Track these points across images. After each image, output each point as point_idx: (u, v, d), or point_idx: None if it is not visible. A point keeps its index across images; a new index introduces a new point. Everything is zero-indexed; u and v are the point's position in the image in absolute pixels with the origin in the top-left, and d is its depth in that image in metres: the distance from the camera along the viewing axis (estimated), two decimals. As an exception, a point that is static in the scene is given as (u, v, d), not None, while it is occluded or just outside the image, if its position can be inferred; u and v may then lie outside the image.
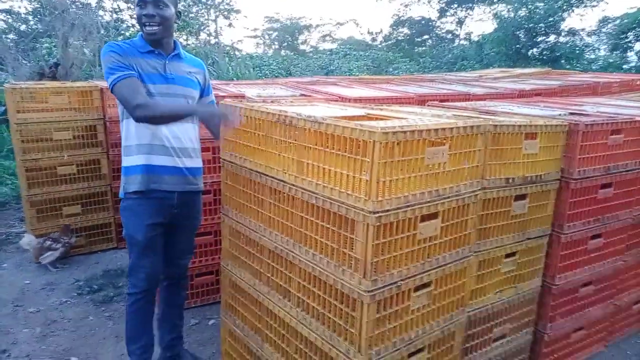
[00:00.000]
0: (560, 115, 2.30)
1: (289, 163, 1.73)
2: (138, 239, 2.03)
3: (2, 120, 6.92)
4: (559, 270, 2.16)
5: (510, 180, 1.89)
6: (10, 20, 13.64)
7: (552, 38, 13.52)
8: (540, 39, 13.31)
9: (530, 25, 13.03)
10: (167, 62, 2.03)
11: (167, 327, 2.31)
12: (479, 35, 17.40)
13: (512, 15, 13.88)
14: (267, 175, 1.84)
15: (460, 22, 22.81)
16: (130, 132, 2.01)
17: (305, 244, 1.71)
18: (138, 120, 1.91)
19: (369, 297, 1.48)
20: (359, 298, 1.50)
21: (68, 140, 3.52)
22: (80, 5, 9.23)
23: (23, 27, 12.85)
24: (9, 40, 10.17)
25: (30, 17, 13.34)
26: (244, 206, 2.02)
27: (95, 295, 3.06)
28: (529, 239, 2.04)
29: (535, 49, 13.35)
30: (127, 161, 2.04)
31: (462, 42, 20.92)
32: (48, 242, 3.34)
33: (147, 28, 1.93)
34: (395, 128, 1.43)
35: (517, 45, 13.10)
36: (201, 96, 2.20)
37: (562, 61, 12.58)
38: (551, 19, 12.90)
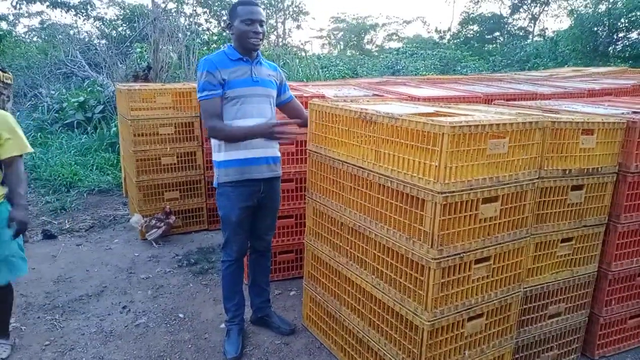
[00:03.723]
0: (622, 113, 2.45)
1: (367, 153, 2.06)
2: (232, 220, 2.44)
3: (101, 118, 7.82)
4: (615, 257, 2.32)
5: (567, 172, 2.09)
6: (102, 27, 15.06)
7: (634, 34, 12.80)
8: (620, 35, 12.66)
9: (610, 21, 12.42)
10: (252, 67, 2.41)
11: (257, 291, 2.73)
12: (554, 32, 16.77)
13: (590, 10, 13.28)
14: (348, 163, 2.18)
15: (534, 18, 22.02)
16: None
17: (380, 221, 2.03)
18: (208, 136, 2.40)
19: (435, 263, 1.77)
20: (427, 265, 1.80)
21: (170, 135, 4.05)
22: (164, 15, 10.07)
23: (114, 33, 14.07)
24: (102, 46, 11.28)
25: (119, 24, 14.64)
26: (327, 190, 2.38)
27: (192, 267, 3.56)
28: (585, 226, 2.22)
29: (615, 46, 12.71)
30: (221, 156, 2.41)
31: (535, 38, 20.20)
32: (153, 221, 3.90)
33: (254, 40, 2.33)
34: (461, 123, 1.71)
35: (595, 42, 12.53)
36: (279, 94, 2.56)
37: (646, 59, 11.93)
38: (633, 14, 12.22)
